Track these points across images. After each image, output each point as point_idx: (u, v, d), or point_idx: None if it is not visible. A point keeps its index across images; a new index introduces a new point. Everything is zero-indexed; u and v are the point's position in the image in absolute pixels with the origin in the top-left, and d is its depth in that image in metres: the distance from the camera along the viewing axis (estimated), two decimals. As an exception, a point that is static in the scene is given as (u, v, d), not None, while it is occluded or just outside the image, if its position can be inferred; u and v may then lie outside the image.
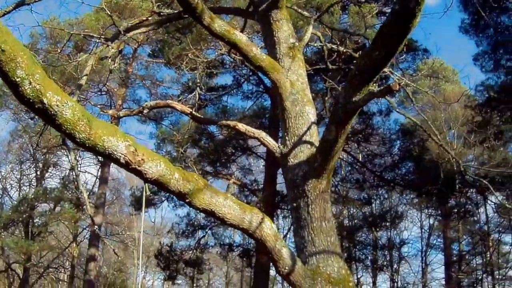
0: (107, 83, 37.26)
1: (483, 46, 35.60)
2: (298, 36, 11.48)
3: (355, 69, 7.47)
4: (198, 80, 17.53)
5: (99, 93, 42.97)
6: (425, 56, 34.85)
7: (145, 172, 5.97)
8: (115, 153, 5.62)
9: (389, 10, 18.49)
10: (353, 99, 7.52)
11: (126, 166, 5.82)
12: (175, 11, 12.81)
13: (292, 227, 10.47)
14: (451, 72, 45.43)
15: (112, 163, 41.03)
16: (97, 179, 48.14)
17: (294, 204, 9.26)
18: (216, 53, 23.76)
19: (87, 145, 5.41)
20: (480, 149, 33.86)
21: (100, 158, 44.26)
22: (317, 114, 10.70)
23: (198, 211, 7.40)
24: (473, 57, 35.90)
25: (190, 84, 31.30)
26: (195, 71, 17.73)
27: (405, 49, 10.77)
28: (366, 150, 38.24)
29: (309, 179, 9.02)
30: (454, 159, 10.89)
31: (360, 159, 38.05)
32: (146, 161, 5.92)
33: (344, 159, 38.93)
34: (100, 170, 46.41)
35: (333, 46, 14.47)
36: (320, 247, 8.84)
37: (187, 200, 6.73)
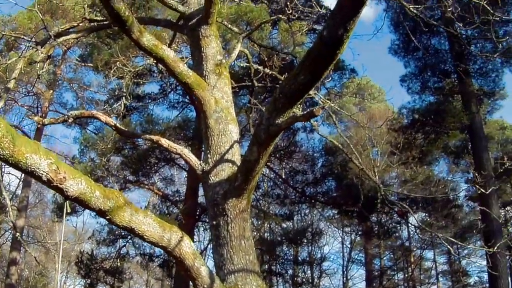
0: (35, 85, 36.73)
1: (411, 68, 36.37)
2: (227, 49, 11.57)
3: (279, 92, 7.49)
4: (125, 90, 17.43)
5: (27, 94, 42.18)
6: (352, 76, 35.33)
7: (66, 190, 5.96)
8: (38, 170, 5.61)
9: (320, 27, 18.68)
10: (276, 121, 7.59)
11: (48, 183, 5.80)
12: (106, 21, 12.78)
13: (211, 243, 10.49)
14: (377, 90, 46.00)
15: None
16: (21, 182, 47.19)
17: (214, 222, 9.29)
18: (144, 62, 23.71)
19: (10, 161, 5.40)
20: (402, 169, 34.41)
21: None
22: (242, 129, 10.78)
23: (118, 228, 7.37)
24: (400, 78, 36.57)
25: (117, 91, 31.10)
26: (123, 80, 17.59)
27: (331, 71, 10.89)
28: (288, 166, 38.41)
29: (229, 198, 9.07)
30: (375, 183, 11.09)
31: (283, 175, 38.20)
32: (68, 179, 5.92)
33: (266, 174, 39.12)
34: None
35: (259, 67, 14.57)
36: (238, 265, 8.90)
37: (107, 217, 6.72)
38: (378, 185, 11.02)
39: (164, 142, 10.21)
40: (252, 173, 8.62)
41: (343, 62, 32.83)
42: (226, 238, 9.07)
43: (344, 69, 33.12)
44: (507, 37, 27.50)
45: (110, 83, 35.07)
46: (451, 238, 14.04)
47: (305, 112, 7.20)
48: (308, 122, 8.00)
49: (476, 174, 20.55)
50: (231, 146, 9.79)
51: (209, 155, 9.78)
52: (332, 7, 6.90)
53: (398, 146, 28.82)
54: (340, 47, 6.61)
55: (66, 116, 11.57)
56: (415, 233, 47.77)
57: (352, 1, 6.32)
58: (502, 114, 68.52)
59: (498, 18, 13.00)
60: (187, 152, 10.01)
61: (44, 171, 5.66)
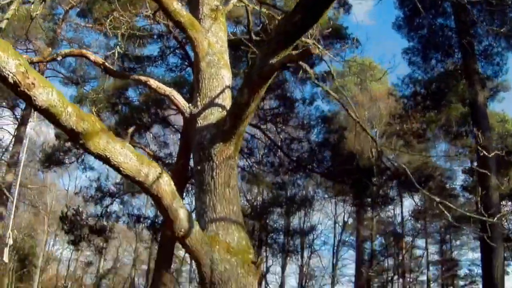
0: (34, 41, 36.46)
1: (414, 42, 36.21)
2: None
3: (274, 32, 7.22)
4: (119, 39, 17.01)
5: (25, 51, 41.51)
6: (354, 46, 34.74)
7: (35, 98, 5.49)
8: (4, 70, 5.14)
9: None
10: (270, 61, 7.23)
11: (15, 87, 5.34)
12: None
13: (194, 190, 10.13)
14: (379, 71, 45.70)
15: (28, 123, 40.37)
16: (13, 138, 46.62)
17: (198, 167, 8.89)
18: (143, 16, 23.31)
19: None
20: (400, 149, 34.12)
21: (18, 116, 43.61)
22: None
23: (92, 155, 6.85)
24: (402, 50, 36.56)
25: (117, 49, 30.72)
26: (118, 30, 17.15)
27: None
28: (284, 133, 37.79)
29: (216, 143, 8.67)
30: (372, 138, 10.68)
31: (278, 143, 37.75)
32: (37, 87, 5.47)
33: (261, 140, 38.83)
34: (16, 129, 44.98)
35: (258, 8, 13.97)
36: (221, 214, 8.52)
37: (81, 141, 6.26)
38: (375, 140, 10.62)
39: (153, 82, 9.90)
40: (242, 117, 8.21)
41: (345, 28, 32.45)
42: (210, 185, 8.65)
43: (346, 38, 32.14)
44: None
45: (110, 41, 34.84)
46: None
47: (300, 50, 6.85)
48: (305, 71, 7.54)
49: (480, 138, 19.59)
50: (222, 91, 9.45)
51: (198, 98, 9.41)
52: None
53: (397, 116, 28.56)
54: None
55: (55, 54, 11.41)
56: (411, 217, 47.87)
57: None
58: (504, 108, 68.53)
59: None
60: (176, 94, 9.64)
61: (10, 72, 5.19)
